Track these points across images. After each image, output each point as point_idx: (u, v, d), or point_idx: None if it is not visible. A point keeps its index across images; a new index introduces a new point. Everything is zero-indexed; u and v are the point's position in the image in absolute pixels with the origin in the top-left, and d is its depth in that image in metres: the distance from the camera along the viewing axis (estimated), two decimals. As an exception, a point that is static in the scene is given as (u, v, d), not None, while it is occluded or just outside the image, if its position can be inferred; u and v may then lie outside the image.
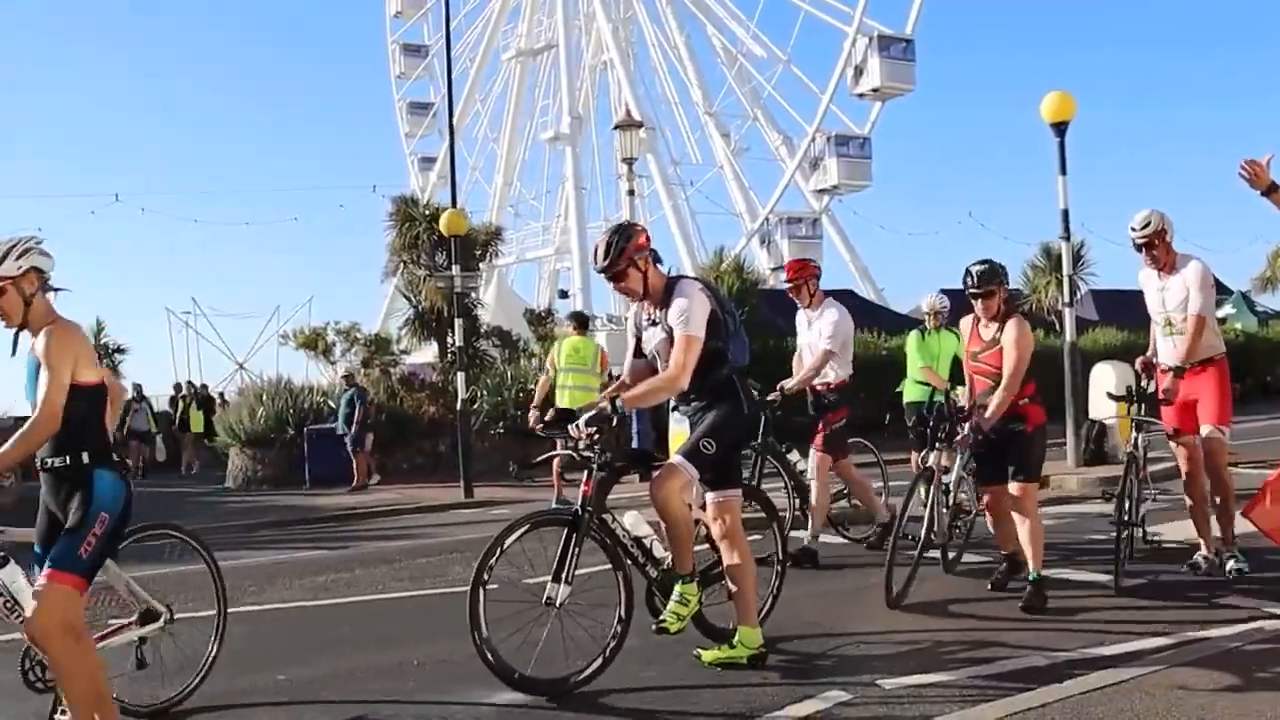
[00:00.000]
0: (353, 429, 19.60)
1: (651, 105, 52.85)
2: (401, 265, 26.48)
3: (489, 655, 5.42)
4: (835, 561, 9.12)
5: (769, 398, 8.73)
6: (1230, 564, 7.26)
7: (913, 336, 11.29)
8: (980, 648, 6.09)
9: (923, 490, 7.26)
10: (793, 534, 7.83)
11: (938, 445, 7.15)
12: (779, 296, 34.82)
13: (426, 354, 28.32)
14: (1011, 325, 7.01)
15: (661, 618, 5.76)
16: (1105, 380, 14.20)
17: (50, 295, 4.83)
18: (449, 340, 23.04)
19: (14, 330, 4.76)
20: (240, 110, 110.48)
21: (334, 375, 26.02)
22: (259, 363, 47.64)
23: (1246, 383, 29.37)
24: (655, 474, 5.79)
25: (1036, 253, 30.40)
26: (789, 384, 8.94)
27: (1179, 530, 8.50)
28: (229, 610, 6.10)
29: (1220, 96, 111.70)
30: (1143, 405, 7.62)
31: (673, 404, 6.13)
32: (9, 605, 4.74)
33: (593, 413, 5.57)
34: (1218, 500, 7.36)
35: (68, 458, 4.72)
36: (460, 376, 18.46)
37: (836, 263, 51.48)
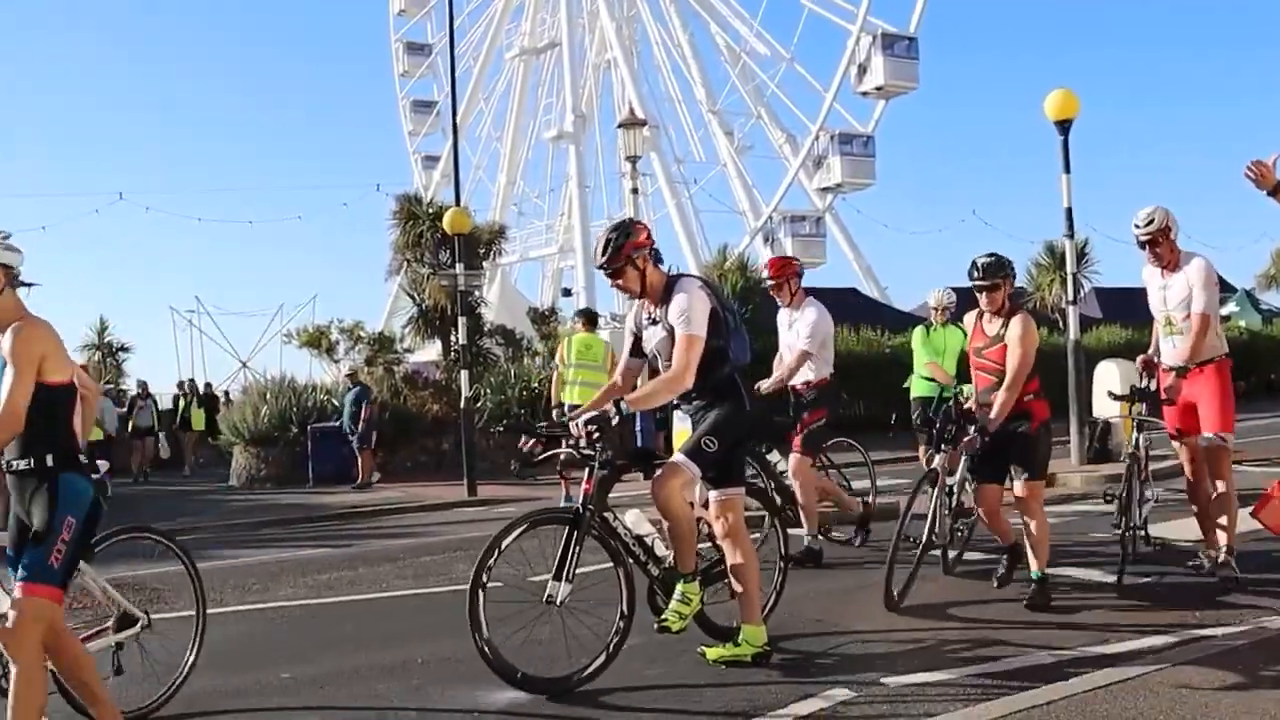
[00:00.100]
0: (360, 427, 19.64)
1: (655, 103, 52.92)
2: (405, 264, 26.50)
3: (490, 655, 5.43)
4: (837, 560, 9.11)
5: None
6: (1225, 571, 7.11)
7: (918, 332, 11.25)
8: (983, 646, 6.09)
9: (926, 493, 7.17)
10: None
11: (943, 447, 7.07)
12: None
13: (430, 352, 28.34)
14: (1016, 322, 6.95)
15: (663, 617, 5.76)
16: (1109, 378, 14.21)
17: (22, 291, 4.72)
18: (453, 339, 23.06)
19: None
20: (244, 109, 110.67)
21: (338, 374, 26.01)
22: (262, 361, 47.61)
23: (1250, 380, 29.31)
24: (657, 473, 5.78)
25: (1040, 251, 30.44)
26: (765, 384, 8.81)
27: (1181, 529, 8.48)
28: (209, 611, 6.05)
29: (1223, 95, 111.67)
30: (1144, 405, 7.57)
31: (674, 402, 6.10)
32: None
33: (594, 413, 5.57)
34: (1220, 505, 7.22)
35: (32, 460, 4.58)
36: (464, 375, 18.46)
37: (840, 261, 51.63)
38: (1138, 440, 7.50)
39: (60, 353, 4.64)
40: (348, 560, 10.75)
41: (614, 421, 5.57)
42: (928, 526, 7.06)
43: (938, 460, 7.12)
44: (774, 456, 9.05)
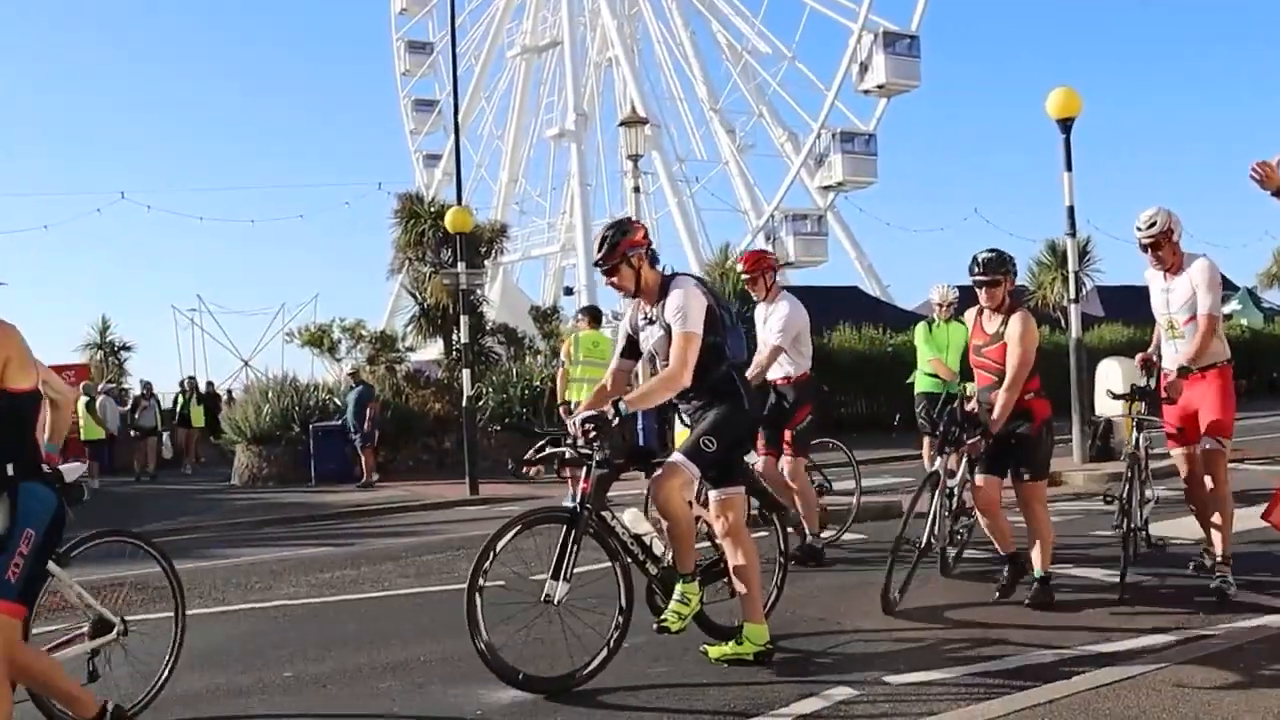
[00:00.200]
0: (365, 426, 19.67)
1: (656, 102, 53.00)
2: (407, 262, 26.50)
3: (491, 658, 5.43)
4: (840, 559, 9.12)
5: None
6: (1217, 582, 6.97)
7: (920, 328, 11.20)
8: (985, 645, 6.09)
9: (928, 494, 7.10)
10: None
11: (946, 449, 7.01)
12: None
13: (432, 351, 28.35)
14: (1016, 320, 6.88)
15: (663, 617, 5.75)
16: (1111, 376, 14.21)
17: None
18: (454, 337, 23.08)
19: None
20: (245, 108, 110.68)
21: (339, 372, 26.03)
22: (264, 360, 47.86)
23: (1252, 379, 29.35)
24: (656, 472, 5.77)
25: (1042, 249, 30.50)
26: None
27: (1182, 528, 8.47)
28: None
29: (1226, 94, 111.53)
30: (1144, 403, 7.48)
31: (673, 402, 6.08)
32: None
33: (592, 413, 5.55)
34: (1215, 509, 7.11)
35: None
36: (465, 373, 18.47)
37: (842, 260, 51.70)
38: (1138, 440, 7.42)
39: (25, 358, 4.49)
40: (350, 559, 10.75)
41: (613, 421, 5.56)
42: (927, 528, 7.00)
43: (939, 462, 7.07)
44: (751, 457, 8.88)
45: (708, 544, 6.21)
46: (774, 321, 8.68)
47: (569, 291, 49.02)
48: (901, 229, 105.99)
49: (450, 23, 23.20)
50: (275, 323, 50.06)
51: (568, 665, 5.56)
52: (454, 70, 23.07)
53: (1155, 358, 7.43)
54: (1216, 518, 7.08)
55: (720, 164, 53.34)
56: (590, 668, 5.58)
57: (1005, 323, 6.94)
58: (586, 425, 5.49)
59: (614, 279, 5.88)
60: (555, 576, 5.50)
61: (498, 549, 5.50)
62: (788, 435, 8.68)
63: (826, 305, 29.90)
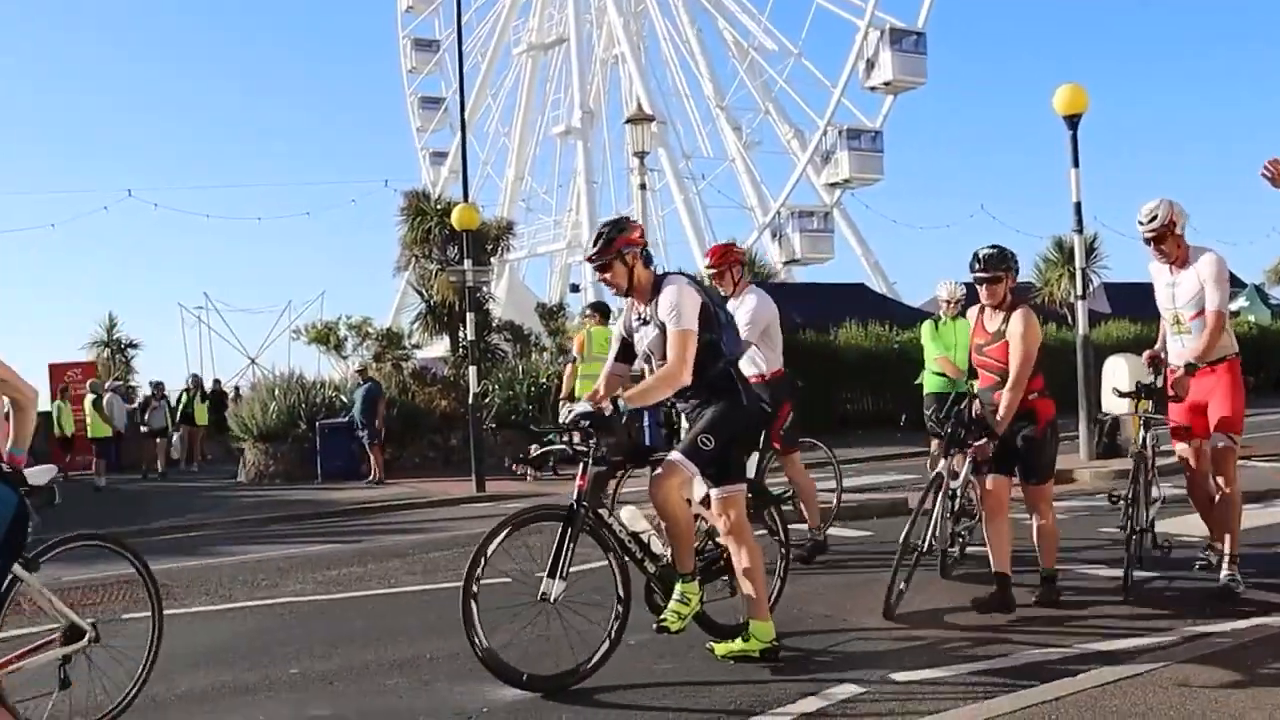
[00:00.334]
0: (375, 423, 19.70)
1: (663, 99, 52.90)
2: (413, 260, 26.52)
3: (492, 662, 5.43)
4: (845, 556, 9.11)
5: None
6: (1225, 580, 6.93)
7: (926, 327, 11.07)
8: (991, 643, 6.08)
9: (933, 497, 6.94)
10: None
11: (952, 451, 6.90)
12: (792, 290, 34.86)
13: (438, 348, 28.37)
14: (1018, 318, 6.76)
15: (662, 617, 5.72)
16: (1117, 374, 14.17)
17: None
18: (460, 335, 23.07)
19: None
20: (252, 106, 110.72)
21: (346, 370, 26.06)
22: (271, 357, 47.88)
23: (1260, 376, 29.30)
24: (654, 472, 5.74)
25: (1049, 246, 30.42)
26: None
27: (1188, 526, 8.42)
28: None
29: (1231, 91, 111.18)
30: (1151, 401, 7.30)
31: (670, 400, 6.04)
32: None
33: (589, 408, 5.53)
34: (1224, 508, 7.03)
35: None
36: (472, 371, 18.48)
37: (848, 257, 51.57)
38: (1144, 439, 7.27)
39: None
40: (356, 556, 10.76)
41: (620, 418, 5.53)
42: (929, 530, 6.90)
43: (942, 464, 6.94)
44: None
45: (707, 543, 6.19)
46: (742, 315, 8.36)
47: (575, 289, 48.93)
48: (908, 226, 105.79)
49: (456, 20, 23.14)
50: (282, 320, 50.18)
51: (570, 661, 5.55)
52: (460, 67, 23.03)
53: (1162, 355, 7.30)
54: (1227, 521, 7.00)
55: (726, 161, 53.25)
56: (593, 661, 5.58)
57: (1006, 320, 6.83)
58: (582, 421, 5.46)
59: (606, 275, 5.86)
60: (552, 575, 5.48)
61: (489, 554, 5.48)
62: (775, 437, 8.58)
63: (833, 302, 29.92)
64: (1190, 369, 6.82)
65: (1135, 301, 26.86)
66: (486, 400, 20.36)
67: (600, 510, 5.74)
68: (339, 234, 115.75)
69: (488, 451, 17.98)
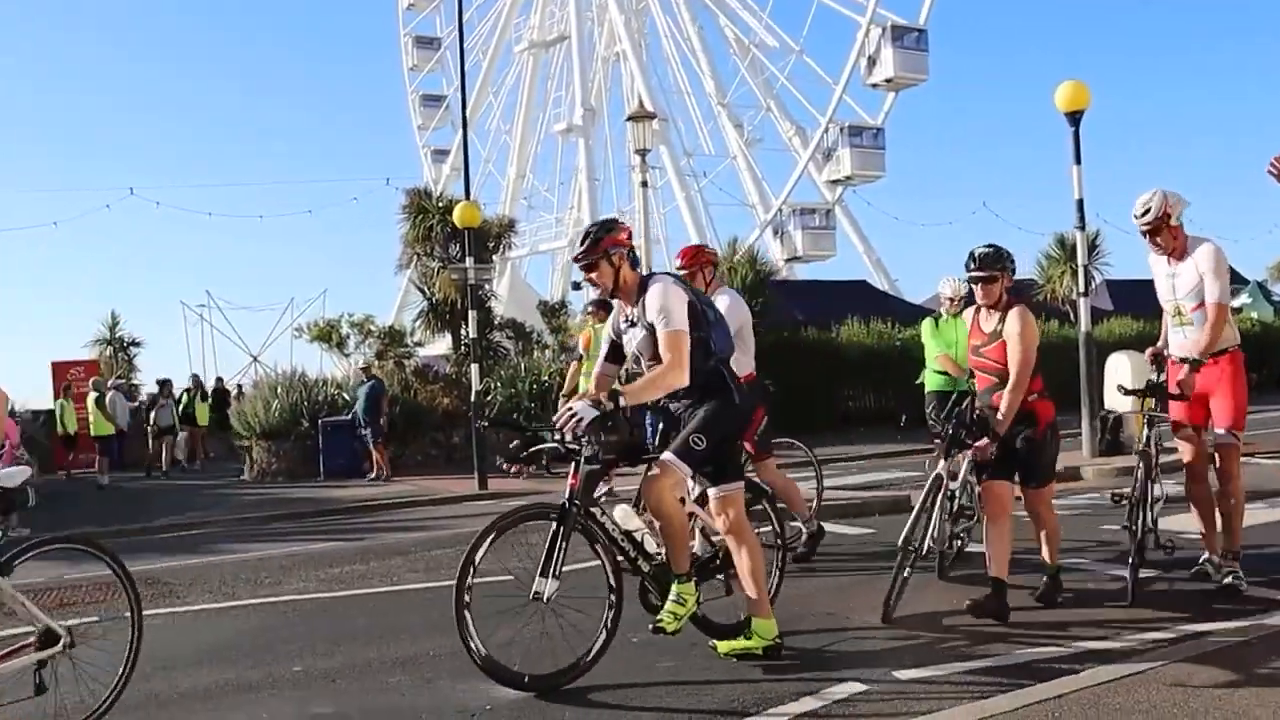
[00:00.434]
0: (380, 421, 19.71)
1: (664, 96, 52.89)
2: (415, 257, 26.53)
3: (492, 669, 5.42)
4: (847, 554, 9.11)
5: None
6: (1229, 578, 6.89)
7: (927, 324, 10.96)
8: (994, 641, 6.07)
9: (934, 499, 6.85)
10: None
11: (953, 453, 6.82)
12: (794, 287, 34.84)
13: (440, 346, 28.38)
14: (1014, 317, 6.66)
15: (659, 618, 5.68)
16: (1120, 371, 14.15)
17: None
18: (463, 332, 23.08)
19: None
20: (253, 104, 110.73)
21: (348, 368, 26.08)
22: (273, 355, 47.95)
23: (1263, 373, 29.28)
24: (648, 473, 5.69)
25: (1051, 243, 30.39)
26: None
27: (1190, 523, 8.38)
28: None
29: (1234, 87, 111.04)
30: (1155, 400, 7.14)
31: (663, 400, 5.99)
32: None
33: (585, 403, 5.49)
34: (1227, 503, 6.97)
35: None
36: (474, 368, 18.49)
37: (850, 254, 51.56)
38: (1148, 437, 7.14)
39: None
40: (359, 554, 10.77)
41: (621, 414, 5.51)
42: (928, 531, 6.85)
43: (941, 465, 6.84)
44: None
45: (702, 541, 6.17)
46: None
47: (577, 286, 48.71)
48: (910, 223, 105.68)
49: (458, 18, 23.14)
50: (284, 318, 50.24)
51: (570, 657, 5.54)
52: (462, 65, 23.00)
53: (1165, 351, 7.22)
54: (1229, 518, 6.93)
55: (728, 158, 53.27)
56: (592, 654, 5.56)
57: (1003, 321, 6.72)
58: (576, 418, 5.43)
59: (592, 274, 5.83)
60: (545, 574, 5.45)
61: (477, 561, 5.45)
62: (748, 442, 8.43)
63: (834, 300, 29.95)
64: (1195, 365, 6.75)
65: (1138, 298, 26.85)
66: (489, 398, 20.37)
67: (593, 509, 5.71)
68: (341, 232, 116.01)
69: (490, 449, 17.98)
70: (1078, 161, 14.72)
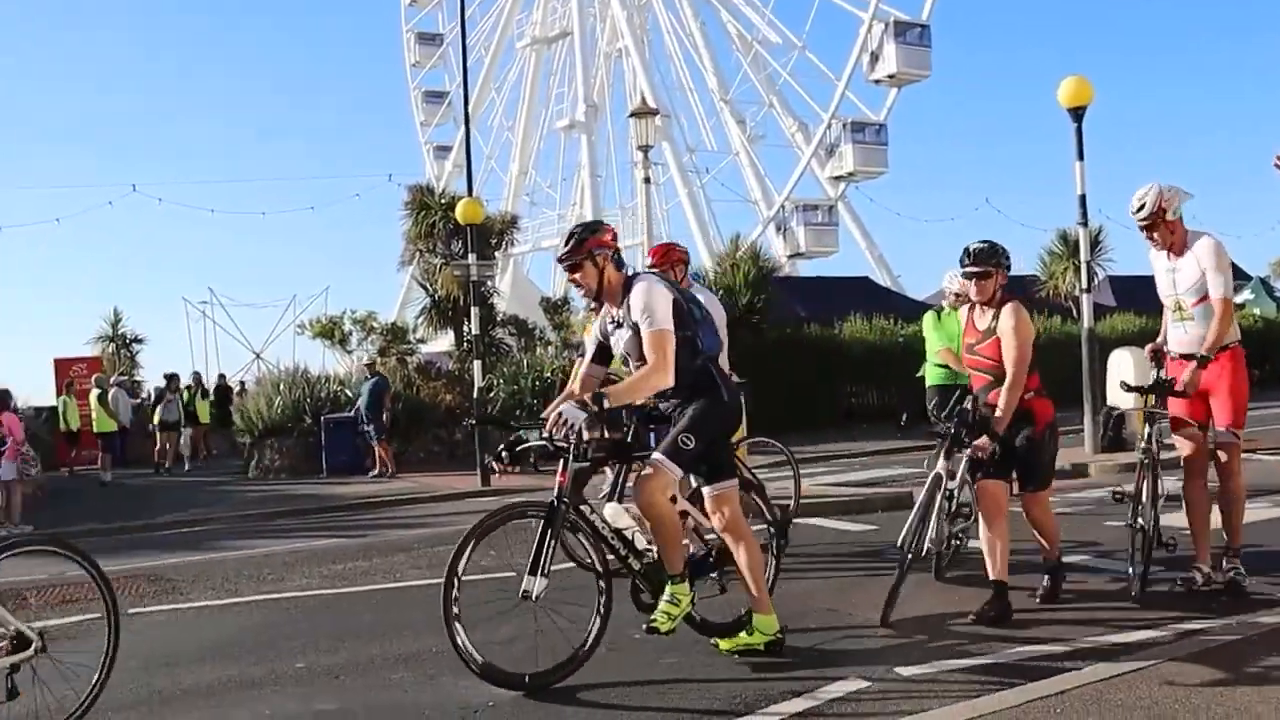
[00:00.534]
0: (383, 417, 19.73)
1: (666, 92, 52.85)
2: (417, 254, 26.52)
3: (492, 675, 5.41)
4: (850, 551, 9.12)
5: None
6: (1231, 574, 6.82)
7: (929, 317, 10.89)
8: (996, 638, 6.06)
9: (935, 499, 6.75)
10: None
11: (954, 452, 6.73)
12: (796, 284, 34.83)
13: (443, 343, 28.38)
14: (1008, 313, 6.58)
15: (652, 618, 5.66)
16: (1123, 367, 14.15)
17: None
18: (465, 329, 23.06)
19: None
20: (256, 101, 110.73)
21: (350, 364, 26.06)
22: (276, 352, 47.67)
23: (1265, 369, 29.24)
24: (640, 473, 5.67)
25: (1054, 239, 30.25)
26: None
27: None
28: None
29: (1236, 84, 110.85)
30: (1157, 396, 7.01)
31: (652, 400, 5.92)
32: None
33: (572, 406, 5.46)
34: (1228, 502, 6.89)
35: None
36: (476, 365, 18.50)
37: (852, 250, 51.50)
38: (1150, 435, 7.03)
39: None
40: (362, 550, 10.79)
41: (606, 414, 5.48)
42: (928, 531, 6.74)
43: (940, 465, 6.76)
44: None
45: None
46: None
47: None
48: (912, 219, 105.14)
49: (460, 14, 23.16)
50: (286, 315, 50.06)
51: (568, 649, 5.53)
52: (464, 62, 23.01)
53: (1165, 347, 7.13)
54: (1227, 519, 6.91)
55: (731, 155, 53.22)
56: (589, 642, 5.55)
57: (997, 317, 6.65)
58: (565, 423, 5.40)
59: (576, 275, 5.81)
60: (533, 572, 5.44)
61: (460, 573, 5.43)
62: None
63: (837, 296, 29.92)
64: (1203, 362, 6.64)
65: (1140, 294, 26.79)
66: (491, 395, 20.37)
67: (582, 508, 5.68)
68: (343, 228, 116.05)
69: (493, 446, 17.98)
70: (1080, 157, 14.71)
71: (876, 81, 48.47)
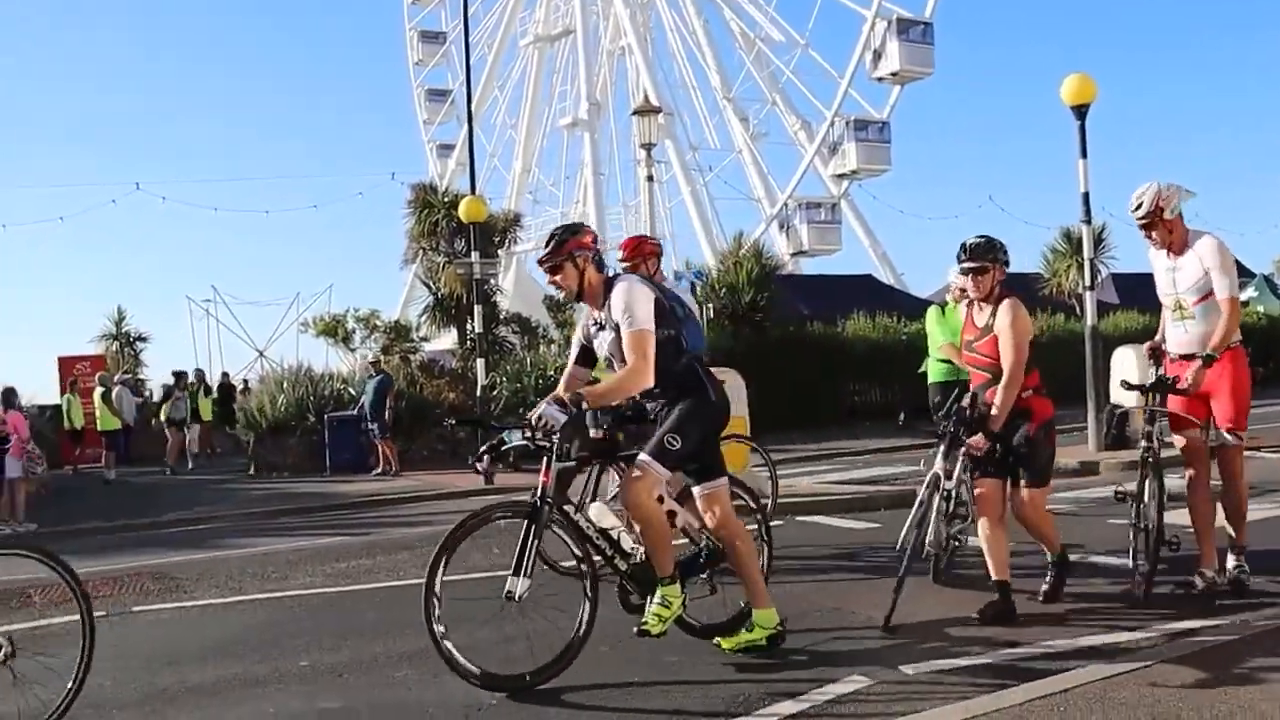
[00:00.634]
0: (386, 415, 19.74)
1: (669, 90, 52.87)
2: (421, 252, 26.54)
3: (492, 682, 5.40)
4: (852, 549, 9.11)
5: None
6: (1233, 571, 6.80)
7: (932, 312, 10.82)
8: (999, 636, 6.05)
9: (934, 500, 6.70)
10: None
11: (953, 450, 6.61)
12: (799, 282, 34.83)
13: (446, 341, 28.41)
14: (1004, 310, 6.51)
15: (643, 620, 5.64)
16: (1126, 364, 14.11)
17: None
18: (468, 327, 23.12)
19: None
20: (259, 99, 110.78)
21: (354, 362, 26.08)
22: (279, 350, 47.74)
23: (1269, 366, 29.17)
24: (634, 472, 5.62)
25: (1057, 236, 30.29)
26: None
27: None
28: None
29: (1238, 81, 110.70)
30: (1158, 395, 6.94)
31: (638, 399, 5.92)
32: None
33: (553, 407, 5.42)
34: (1231, 503, 6.85)
35: None
36: (480, 363, 18.52)
37: (856, 247, 51.55)
38: (1151, 433, 6.97)
39: None
40: (365, 548, 10.79)
41: (583, 416, 5.48)
42: (926, 534, 6.73)
43: (938, 464, 6.67)
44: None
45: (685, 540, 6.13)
46: None
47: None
48: (916, 216, 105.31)
49: (463, 12, 23.18)
50: (290, 313, 50.13)
51: (563, 641, 5.51)
52: (467, 60, 23.07)
53: (1163, 346, 7.07)
54: (1233, 517, 6.85)
55: (734, 152, 53.26)
56: (582, 629, 5.52)
57: (994, 314, 6.58)
58: (545, 424, 5.38)
59: (556, 277, 5.79)
60: (517, 573, 5.41)
61: (437, 589, 5.42)
62: None
63: (840, 294, 29.90)
64: (1208, 360, 6.58)
65: (1144, 292, 26.73)
66: (494, 393, 20.38)
67: (566, 508, 5.67)
68: (346, 227, 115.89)
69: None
70: (1084, 155, 14.69)
71: (879, 79, 48.49)
